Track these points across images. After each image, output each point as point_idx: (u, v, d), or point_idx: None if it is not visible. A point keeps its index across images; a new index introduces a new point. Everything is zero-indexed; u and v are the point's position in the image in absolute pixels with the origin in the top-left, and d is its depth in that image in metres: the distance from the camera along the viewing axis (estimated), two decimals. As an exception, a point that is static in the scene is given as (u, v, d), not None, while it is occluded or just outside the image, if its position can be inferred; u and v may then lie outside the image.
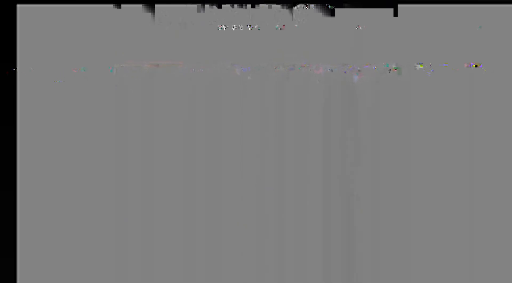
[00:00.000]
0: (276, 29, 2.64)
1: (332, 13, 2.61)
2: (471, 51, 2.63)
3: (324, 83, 2.63)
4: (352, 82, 2.57)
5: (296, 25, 2.62)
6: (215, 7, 2.65)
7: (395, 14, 2.64)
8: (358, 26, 2.64)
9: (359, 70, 2.54)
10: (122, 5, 2.64)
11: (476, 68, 2.62)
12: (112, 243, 2.63)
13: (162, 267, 2.64)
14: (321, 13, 2.62)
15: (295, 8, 2.57)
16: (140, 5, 2.64)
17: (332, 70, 2.53)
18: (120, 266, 2.63)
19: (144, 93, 2.64)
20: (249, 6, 2.64)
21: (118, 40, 2.65)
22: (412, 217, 2.61)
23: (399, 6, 2.64)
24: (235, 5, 2.64)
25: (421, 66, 2.62)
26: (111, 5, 2.65)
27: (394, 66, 2.41)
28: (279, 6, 2.64)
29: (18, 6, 2.64)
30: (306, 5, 2.37)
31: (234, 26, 2.65)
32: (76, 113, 2.63)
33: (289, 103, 2.64)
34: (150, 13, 2.65)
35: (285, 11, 2.64)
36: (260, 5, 2.64)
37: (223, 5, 2.65)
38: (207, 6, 2.65)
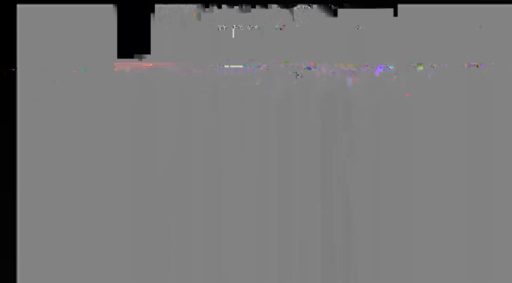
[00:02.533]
0: (276, 29, 2.64)
1: (335, 14, 2.61)
2: (471, 51, 2.63)
3: (324, 84, 2.63)
4: (346, 86, 2.57)
5: (297, 26, 2.62)
6: (215, 7, 2.65)
7: (395, 14, 2.64)
8: (358, 26, 2.64)
9: (353, 72, 2.54)
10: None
11: (476, 68, 2.62)
12: (112, 243, 2.63)
13: (162, 268, 2.64)
14: (323, 13, 2.62)
15: (295, 8, 2.57)
16: (141, 5, 2.64)
17: (333, 72, 2.53)
18: (119, 266, 2.63)
19: (144, 94, 2.64)
20: (249, 6, 2.64)
21: (118, 40, 2.65)
22: (412, 220, 2.61)
23: (399, 6, 2.64)
24: (235, 5, 2.64)
25: (421, 67, 2.62)
26: (111, 5, 2.64)
27: (395, 71, 2.41)
28: (279, 6, 2.64)
29: (18, 6, 2.63)
30: (309, 5, 2.37)
31: (234, 26, 2.65)
32: (76, 113, 2.63)
33: (289, 103, 2.64)
34: (150, 13, 2.65)
35: (285, 11, 2.64)
36: (260, 5, 2.64)
37: (223, 5, 2.65)
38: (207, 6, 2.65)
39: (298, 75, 2.17)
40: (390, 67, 2.61)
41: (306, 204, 2.63)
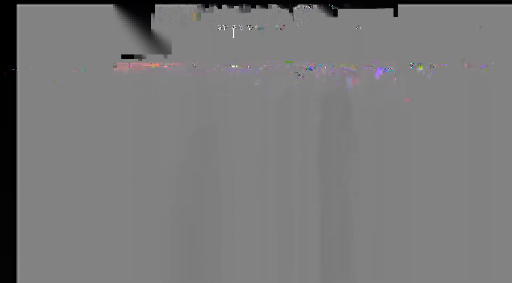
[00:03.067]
0: (276, 29, 2.64)
1: (335, 14, 2.61)
2: (471, 51, 2.63)
3: (323, 85, 2.63)
4: (346, 87, 2.57)
5: (297, 26, 2.62)
6: (215, 7, 2.65)
7: (395, 14, 2.64)
8: (358, 26, 2.64)
9: (352, 73, 2.54)
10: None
11: (476, 68, 2.62)
12: (112, 243, 2.63)
13: (161, 268, 2.64)
14: (323, 13, 2.62)
15: (295, 8, 2.57)
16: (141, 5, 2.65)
17: (333, 73, 2.53)
18: (119, 266, 2.63)
19: (144, 94, 2.64)
20: (248, 6, 2.64)
21: (118, 40, 2.65)
22: (413, 220, 2.62)
23: (399, 6, 2.64)
24: (235, 5, 2.64)
25: (421, 67, 2.62)
26: (111, 5, 2.64)
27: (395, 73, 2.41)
28: (279, 6, 2.64)
29: (18, 6, 2.63)
30: (309, 5, 2.38)
31: (234, 26, 2.65)
32: (76, 113, 2.63)
33: (289, 103, 2.64)
34: (150, 13, 2.65)
35: (285, 11, 2.64)
36: (260, 5, 2.64)
37: (223, 5, 2.65)
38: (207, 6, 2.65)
39: (299, 75, 2.17)
40: (389, 68, 2.61)
41: (305, 204, 2.63)
